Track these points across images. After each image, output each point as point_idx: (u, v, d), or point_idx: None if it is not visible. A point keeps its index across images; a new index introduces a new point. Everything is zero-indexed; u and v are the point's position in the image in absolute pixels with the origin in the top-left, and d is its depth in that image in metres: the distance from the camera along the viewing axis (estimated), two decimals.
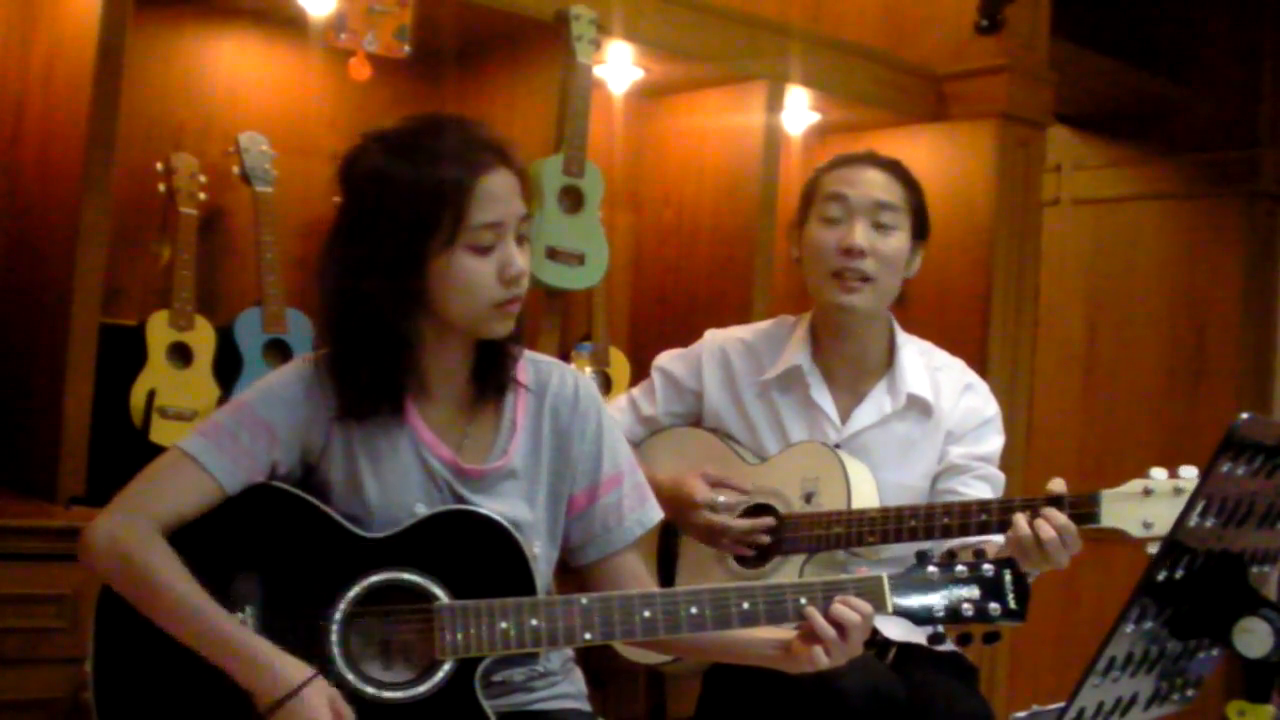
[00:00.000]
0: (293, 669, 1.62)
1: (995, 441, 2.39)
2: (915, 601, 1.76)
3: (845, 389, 2.39)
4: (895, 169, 2.39)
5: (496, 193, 1.73)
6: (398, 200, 1.71)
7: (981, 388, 2.44)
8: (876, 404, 2.36)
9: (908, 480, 2.34)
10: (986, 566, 1.78)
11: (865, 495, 2.25)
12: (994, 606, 1.76)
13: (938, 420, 2.36)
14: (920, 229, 2.39)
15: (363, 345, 1.74)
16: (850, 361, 2.39)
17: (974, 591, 1.77)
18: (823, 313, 2.40)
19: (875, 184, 2.35)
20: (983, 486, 2.33)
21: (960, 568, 1.78)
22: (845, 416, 2.37)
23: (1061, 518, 2.02)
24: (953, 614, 1.76)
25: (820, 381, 2.38)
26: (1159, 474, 2.04)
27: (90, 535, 1.69)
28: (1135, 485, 2.05)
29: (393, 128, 1.78)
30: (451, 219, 1.70)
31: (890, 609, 1.75)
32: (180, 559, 1.67)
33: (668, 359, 2.50)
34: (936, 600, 1.76)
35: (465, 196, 1.70)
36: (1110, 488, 2.07)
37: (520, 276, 1.76)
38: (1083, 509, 2.05)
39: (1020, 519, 2.03)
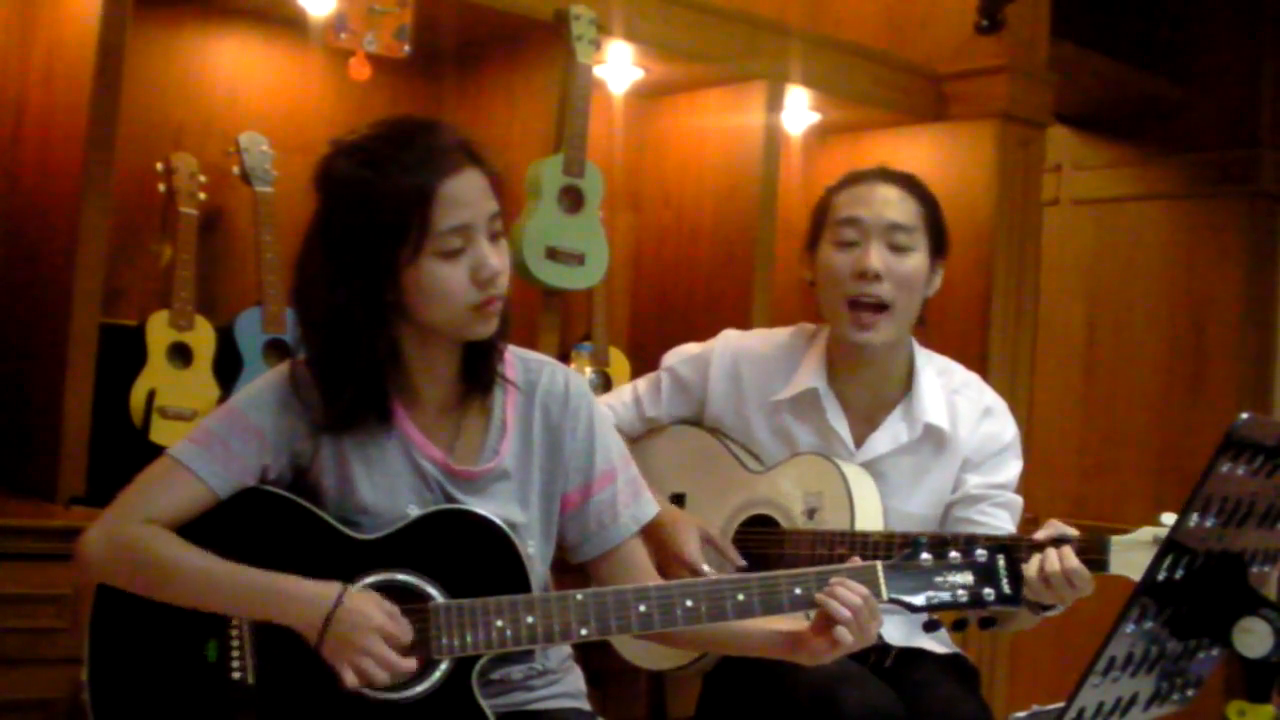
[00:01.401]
0: (322, 588, 1.64)
1: (1014, 467, 2.33)
2: (910, 589, 1.76)
3: (860, 414, 2.32)
4: (909, 184, 2.32)
5: (461, 196, 1.70)
6: (362, 211, 1.68)
7: (1001, 410, 2.36)
8: (892, 432, 2.30)
9: (916, 510, 2.29)
10: (980, 552, 1.78)
11: (870, 516, 2.21)
12: (988, 591, 1.76)
13: (954, 449, 2.30)
14: (938, 245, 2.32)
15: (342, 358, 1.73)
16: (868, 388, 2.33)
17: (968, 577, 1.77)
18: (839, 341, 2.32)
19: (890, 204, 2.27)
20: (1001, 514, 2.28)
21: (954, 554, 1.77)
22: (860, 442, 2.31)
23: (1073, 560, 1.96)
24: (948, 600, 1.76)
25: (836, 405, 2.31)
26: (1170, 520, 1.99)
27: (85, 543, 1.69)
28: (1145, 533, 1.99)
29: (359, 134, 1.74)
30: (416, 227, 1.67)
31: (885, 597, 1.75)
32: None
33: (678, 360, 2.45)
34: (931, 587, 1.76)
35: (428, 203, 1.67)
36: (1114, 522, 2.03)
37: (495, 277, 1.72)
38: (1091, 555, 1.99)
39: (1034, 559, 1.99)
